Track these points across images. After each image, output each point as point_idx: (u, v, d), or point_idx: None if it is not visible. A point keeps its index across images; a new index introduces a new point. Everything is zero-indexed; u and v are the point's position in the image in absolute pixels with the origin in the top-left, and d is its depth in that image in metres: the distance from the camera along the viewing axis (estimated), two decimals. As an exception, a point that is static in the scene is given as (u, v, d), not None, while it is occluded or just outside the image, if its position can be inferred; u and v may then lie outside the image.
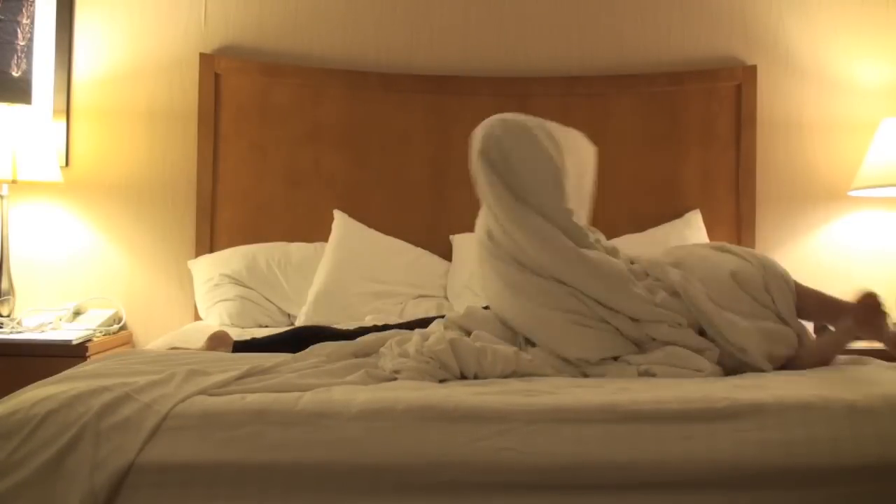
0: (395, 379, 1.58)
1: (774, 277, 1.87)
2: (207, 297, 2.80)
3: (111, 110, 3.07)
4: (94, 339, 2.67)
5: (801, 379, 1.61)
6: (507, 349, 1.68)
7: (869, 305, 1.87)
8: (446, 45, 3.14)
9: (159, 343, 2.37)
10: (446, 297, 2.78)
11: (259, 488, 1.29)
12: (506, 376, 1.64)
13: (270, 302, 2.79)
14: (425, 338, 1.68)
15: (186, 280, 3.00)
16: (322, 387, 1.48)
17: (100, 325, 2.81)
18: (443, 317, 1.95)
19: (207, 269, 2.85)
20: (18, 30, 3.05)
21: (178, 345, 2.18)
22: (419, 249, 2.93)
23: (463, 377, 1.64)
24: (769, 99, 3.15)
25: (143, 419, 1.32)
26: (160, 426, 1.32)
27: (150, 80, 3.08)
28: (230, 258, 2.86)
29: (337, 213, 2.96)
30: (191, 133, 3.04)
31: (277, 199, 3.04)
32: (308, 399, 1.39)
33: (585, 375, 1.74)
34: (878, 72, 3.16)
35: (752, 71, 3.11)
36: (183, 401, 1.37)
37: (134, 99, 3.08)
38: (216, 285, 2.79)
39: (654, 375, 1.69)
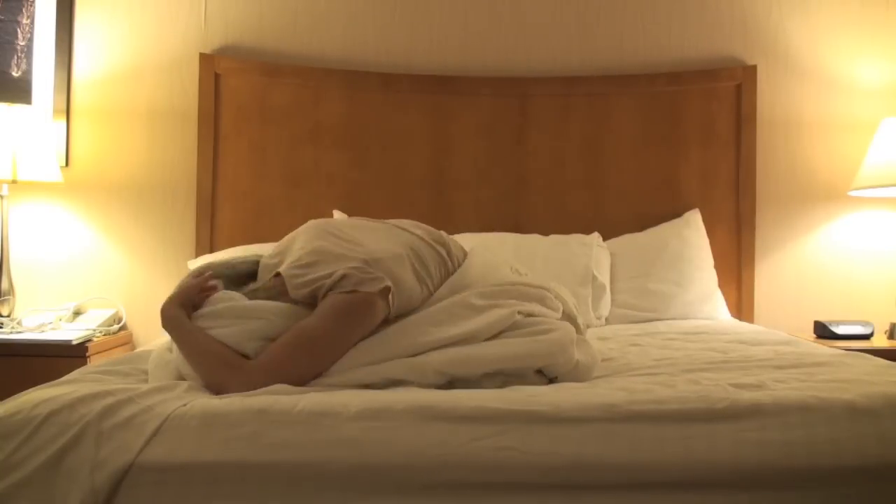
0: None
1: None
2: (207, 298, 2.80)
3: (111, 110, 3.07)
4: (94, 339, 2.67)
5: (802, 382, 1.61)
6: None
7: None
8: (446, 45, 3.14)
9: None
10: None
11: (259, 488, 1.28)
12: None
13: (270, 302, 2.79)
14: None
15: (186, 280, 3.00)
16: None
17: (100, 325, 2.81)
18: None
19: (207, 269, 2.85)
20: (18, 30, 3.05)
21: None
22: (419, 249, 2.93)
23: None
24: (769, 99, 3.15)
25: (145, 420, 1.32)
26: (161, 427, 1.32)
27: (150, 80, 3.08)
28: (230, 258, 2.85)
29: (337, 214, 2.96)
30: (191, 133, 3.05)
31: (277, 199, 3.04)
32: (308, 399, 1.39)
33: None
34: (878, 72, 3.16)
35: (752, 71, 3.11)
36: (186, 405, 1.37)
37: (134, 99, 3.08)
38: (216, 285, 2.79)
39: None
